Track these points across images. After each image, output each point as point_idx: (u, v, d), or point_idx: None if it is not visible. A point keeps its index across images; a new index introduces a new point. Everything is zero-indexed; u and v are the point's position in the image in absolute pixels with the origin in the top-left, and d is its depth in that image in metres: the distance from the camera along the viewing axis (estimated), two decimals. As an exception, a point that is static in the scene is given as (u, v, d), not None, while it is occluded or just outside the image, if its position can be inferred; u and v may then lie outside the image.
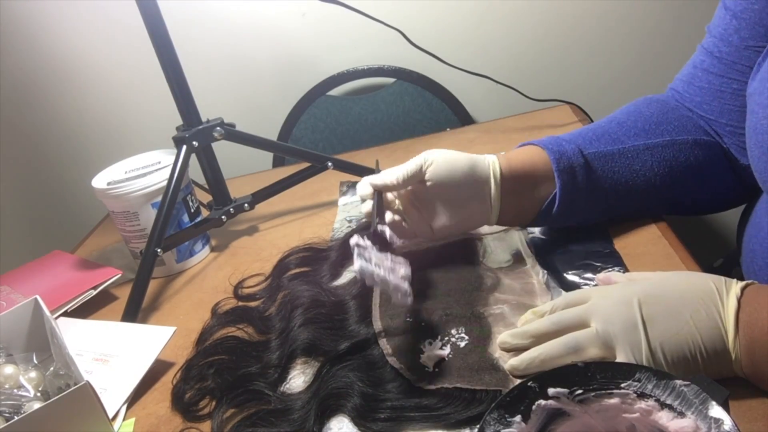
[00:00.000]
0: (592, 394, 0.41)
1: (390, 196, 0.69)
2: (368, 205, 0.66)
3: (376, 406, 0.53)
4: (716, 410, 0.36)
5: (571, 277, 0.64)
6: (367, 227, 0.82)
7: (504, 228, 0.74)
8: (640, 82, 1.28)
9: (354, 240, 0.57)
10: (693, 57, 0.72)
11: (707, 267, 0.86)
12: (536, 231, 0.73)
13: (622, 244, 0.67)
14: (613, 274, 0.58)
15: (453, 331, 0.59)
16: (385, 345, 0.59)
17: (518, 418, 0.40)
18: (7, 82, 1.31)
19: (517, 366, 0.52)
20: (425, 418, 0.51)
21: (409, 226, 0.68)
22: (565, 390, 0.42)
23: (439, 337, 0.59)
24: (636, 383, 0.40)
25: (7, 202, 1.39)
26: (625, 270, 0.62)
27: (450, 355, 0.57)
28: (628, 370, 0.41)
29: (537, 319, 0.55)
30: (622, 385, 0.40)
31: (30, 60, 1.29)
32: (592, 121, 1.04)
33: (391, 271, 0.57)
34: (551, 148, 0.66)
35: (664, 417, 0.39)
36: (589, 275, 0.63)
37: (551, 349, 0.50)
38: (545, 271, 0.65)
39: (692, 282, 0.50)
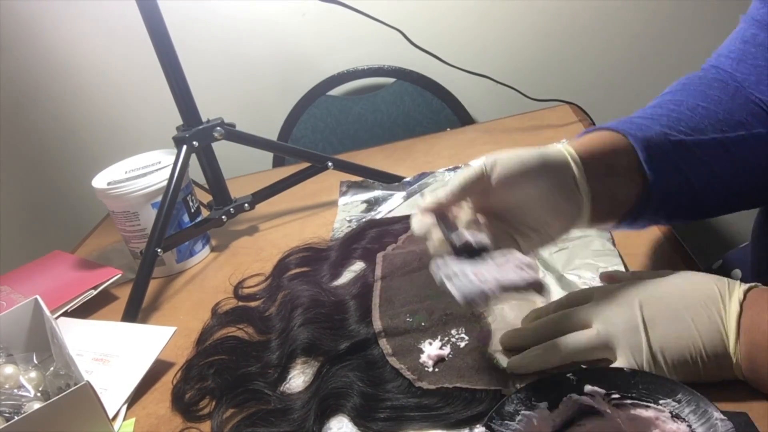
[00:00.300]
0: (629, 401, 0.41)
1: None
2: (437, 236, 0.51)
3: (376, 406, 0.53)
4: None
5: (570, 277, 0.64)
6: (373, 225, 0.82)
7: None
8: (639, 82, 1.28)
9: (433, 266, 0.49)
10: (739, 30, 0.61)
11: (706, 268, 0.86)
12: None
13: (623, 244, 0.67)
14: (616, 272, 0.57)
15: (453, 331, 0.59)
16: (385, 345, 0.59)
17: (544, 404, 0.40)
18: (8, 82, 1.31)
19: (517, 364, 0.52)
20: (425, 418, 0.51)
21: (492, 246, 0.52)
22: (602, 390, 0.41)
23: (439, 337, 0.59)
24: (675, 403, 0.40)
25: (7, 202, 1.39)
26: (625, 270, 0.62)
27: (450, 355, 0.57)
28: (672, 389, 0.40)
29: (539, 319, 0.55)
30: (661, 402, 0.40)
31: (30, 60, 1.29)
32: (592, 121, 1.03)
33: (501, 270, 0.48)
34: (633, 134, 0.53)
35: None
36: (588, 275, 0.63)
37: (551, 349, 0.50)
38: (545, 271, 0.65)
39: (695, 283, 0.49)
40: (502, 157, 0.52)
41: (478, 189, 0.52)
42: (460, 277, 0.46)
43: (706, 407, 0.38)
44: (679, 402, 0.40)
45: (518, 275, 0.46)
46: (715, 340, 0.45)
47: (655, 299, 0.48)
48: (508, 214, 0.53)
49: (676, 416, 0.39)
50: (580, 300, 0.53)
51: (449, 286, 0.46)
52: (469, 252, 0.49)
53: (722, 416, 0.38)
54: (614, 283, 0.53)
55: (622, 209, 0.54)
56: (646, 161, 0.51)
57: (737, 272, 0.78)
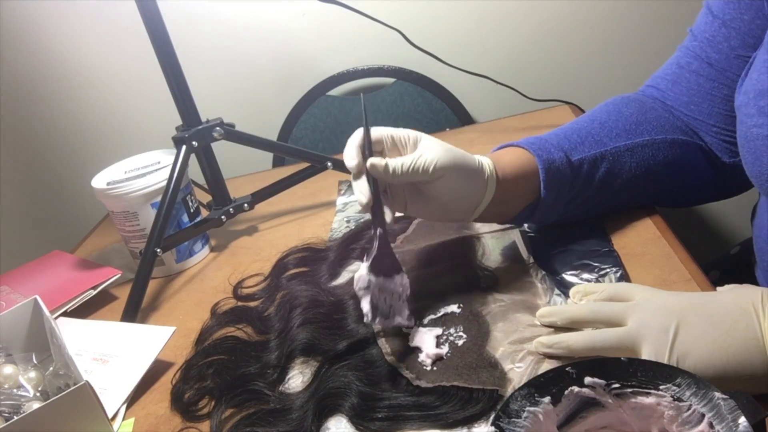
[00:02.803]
0: (630, 390, 0.41)
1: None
2: (364, 188, 0.58)
3: (374, 405, 0.53)
4: (744, 429, 0.35)
5: (569, 277, 0.64)
6: (369, 227, 0.82)
7: (503, 227, 0.74)
8: (639, 82, 1.28)
9: (358, 284, 0.57)
10: (675, 57, 0.73)
11: (724, 255, 0.86)
12: (534, 230, 0.73)
13: (621, 244, 0.67)
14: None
15: (451, 330, 0.59)
16: (384, 344, 0.59)
17: (548, 399, 0.41)
18: (7, 82, 1.31)
19: (545, 344, 0.53)
20: (422, 418, 0.51)
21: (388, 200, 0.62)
22: (603, 381, 0.42)
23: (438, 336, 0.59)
24: (675, 388, 0.40)
25: (7, 202, 1.39)
26: (624, 270, 0.62)
27: (448, 354, 0.57)
28: (670, 373, 0.40)
29: (581, 301, 0.56)
30: (661, 387, 0.40)
31: (30, 60, 1.29)
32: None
33: (395, 298, 0.58)
34: (540, 155, 0.65)
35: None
36: (587, 275, 0.63)
37: (580, 339, 0.52)
38: (543, 271, 0.65)
39: (741, 294, 0.48)
40: (445, 163, 0.59)
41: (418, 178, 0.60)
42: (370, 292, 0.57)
43: (707, 389, 0.39)
44: (679, 386, 0.40)
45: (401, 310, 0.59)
46: (750, 348, 0.44)
47: (697, 306, 0.48)
48: (416, 192, 0.62)
49: (677, 400, 0.39)
50: (624, 295, 0.54)
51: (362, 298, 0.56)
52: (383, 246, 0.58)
53: (724, 395, 0.38)
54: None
55: (498, 221, 0.69)
56: (544, 180, 0.64)
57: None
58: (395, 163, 0.58)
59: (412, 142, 0.61)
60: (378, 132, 0.61)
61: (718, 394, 0.38)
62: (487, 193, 0.62)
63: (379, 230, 0.58)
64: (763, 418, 0.36)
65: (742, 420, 0.36)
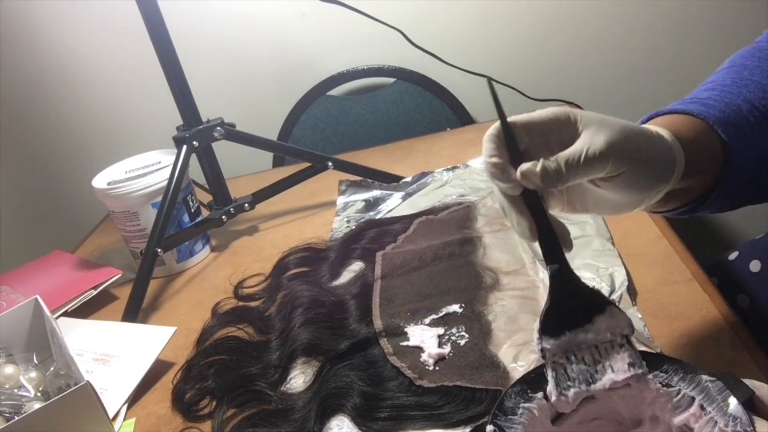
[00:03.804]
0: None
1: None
2: (519, 217, 0.43)
3: (376, 405, 0.53)
4: (734, 407, 0.36)
5: (571, 276, 0.64)
6: (372, 225, 0.81)
7: (503, 228, 0.74)
8: (639, 82, 1.28)
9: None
10: None
11: (720, 260, 0.85)
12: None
13: (622, 244, 0.67)
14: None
15: (453, 330, 0.59)
16: (386, 344, 0.59)
17: (540, 394, 0.41)
18: (7, 82, 1.31)
19: (529, 171, 0.41)
20: (425, 417, 0.51)
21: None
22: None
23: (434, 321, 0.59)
24: (663, 374, 0.40)
25: (7, 202, 1.39)
26: (626, 269, 0.62)
27: (450, 354, 0.57)
28: (656, 361, 0.41)
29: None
30: (649, 375, 0.40)
31: (30, 60, 1.29)
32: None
33: None
34: (706, 112, 0.49)
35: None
36: (588, 275, 0.63)
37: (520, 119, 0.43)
38: (544, 271, 0.65)
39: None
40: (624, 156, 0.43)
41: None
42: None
43: (694, 372, 0.39)
44: (666, 372, 0.40)
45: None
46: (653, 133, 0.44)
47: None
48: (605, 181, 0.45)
49: (666, 386, 0.40)
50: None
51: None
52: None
53: (711, 377, 0.38)
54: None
55: (696, 192, 0.50)
56: (728, 142, 0.47)
57: (757, 263, 0.78)
58: (554, 163, 0.41)
59: (569, 124, 0.44)
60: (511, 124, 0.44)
61: (705, 377, 0.38)
62: (677, 165, 0.46)
63: (553, 267, 0.41)
64: (750, 396, 0.37)
65: (732, 400, 0.36)
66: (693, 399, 0.38)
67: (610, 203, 0.47)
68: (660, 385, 0.40)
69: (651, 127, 0.47)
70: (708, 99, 0.51)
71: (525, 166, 0.41)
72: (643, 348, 0.47)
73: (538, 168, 0.41)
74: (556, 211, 0.47)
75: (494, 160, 0.43)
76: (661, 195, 0.47)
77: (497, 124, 0.43)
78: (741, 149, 0.48)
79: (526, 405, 0.40)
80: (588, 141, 0.42)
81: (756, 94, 0.51)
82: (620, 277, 0.62)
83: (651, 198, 0.46)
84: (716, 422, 0.37)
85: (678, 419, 0.39)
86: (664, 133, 0.46)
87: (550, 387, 0.40)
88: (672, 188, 0.47)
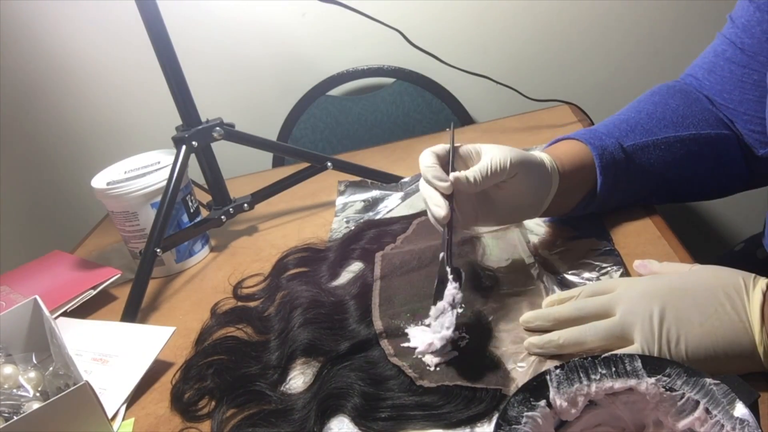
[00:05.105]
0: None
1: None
2: (442, 202, 0.60)
3: (377, 405, 0.53)
4: (741, 411, 0.36)
5: (569, 276, 0.64)
6: (371, 225, 0.82)
7: (502, 227, 0.74)
8: (639, 81, 1.28)
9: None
10: (713, 45, 0.73)
11: (727, 252, 0.86)
12: (535, 230, 0.73)
13: (621, 244, 0.67)
14: (650, 262, 0.58)
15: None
16: (386, 345, 0.59)
17: (543, 402, 0.41)
18: (7, 82, 1.31)
19: (536, 344, 0.53)
20: (425, 417, 0.51)
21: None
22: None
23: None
24: (666, 378, 0.40)
25: (7, 202, 1.39)
26: (625, 269, 0.62)
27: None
28: (659, 365, 0.41)
29: (561, 304, 0.56)
30: (651, 380, 0.40)
31: (30, 60, 1.29)
32: (591, 121, 1.04)
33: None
34: (594, 143, 0.66)
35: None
36: (587, 275, 0.63)
37: (570, 335, 0.51)
38: (544, 271, 0.65)
39: (721, 277, 0.49)
40: (522, 167, 0.62)
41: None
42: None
43: (697, 376, 0.39)
44: (669, 376, 0.40)
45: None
46: (737, 329, 0.45)
47: (680, 291, 0.49)
48: (489, 200, 0.65)
49: (669, 390, 0.40)
50: (604, 290, 0.54)
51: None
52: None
53: (715, 381, 0.38)
54: (644, 275, 0.56)
55: (560, 214, 0.70)
56: (599, 166, 0.65)
57: (762, 251, 0.79)
58: (474, 172, 0.60)
59: (475, 153, 0.64)
60: (444, 151, 0.64)
61: (709, 380, 0.38)
62: (553, 185, 0.65)
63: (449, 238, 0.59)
64: (755, 399, 0.37)
65: (739, 403, 0.36)
66: (697, 403, 0.38)
67: (512, 208, 0.65)
68: (663, 389, 0.40)
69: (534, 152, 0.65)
70: (601, 128, 0.69)
71: (456, 173, 0.60)
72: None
73: (464, 174, 0.60)
74: (465, 225, 0.65)
75: (433, 168, 0.61)
76: (550, 199, 0.65)
77: (435, 147, 0.63)
78: (609, 163, 0.66)
79: (530, 413, 0.40)
80: (491, 156, 0.61)
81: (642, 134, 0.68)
82: (620, 276, 0.61)
83: (542, 203, 0.65)
84: (723, 426, 0.36)
85: (682, 423, 0.39)
86: (543, 155, 0.65)
87: (553, 393, 0.42)
88: (555, 192, 0.65)
